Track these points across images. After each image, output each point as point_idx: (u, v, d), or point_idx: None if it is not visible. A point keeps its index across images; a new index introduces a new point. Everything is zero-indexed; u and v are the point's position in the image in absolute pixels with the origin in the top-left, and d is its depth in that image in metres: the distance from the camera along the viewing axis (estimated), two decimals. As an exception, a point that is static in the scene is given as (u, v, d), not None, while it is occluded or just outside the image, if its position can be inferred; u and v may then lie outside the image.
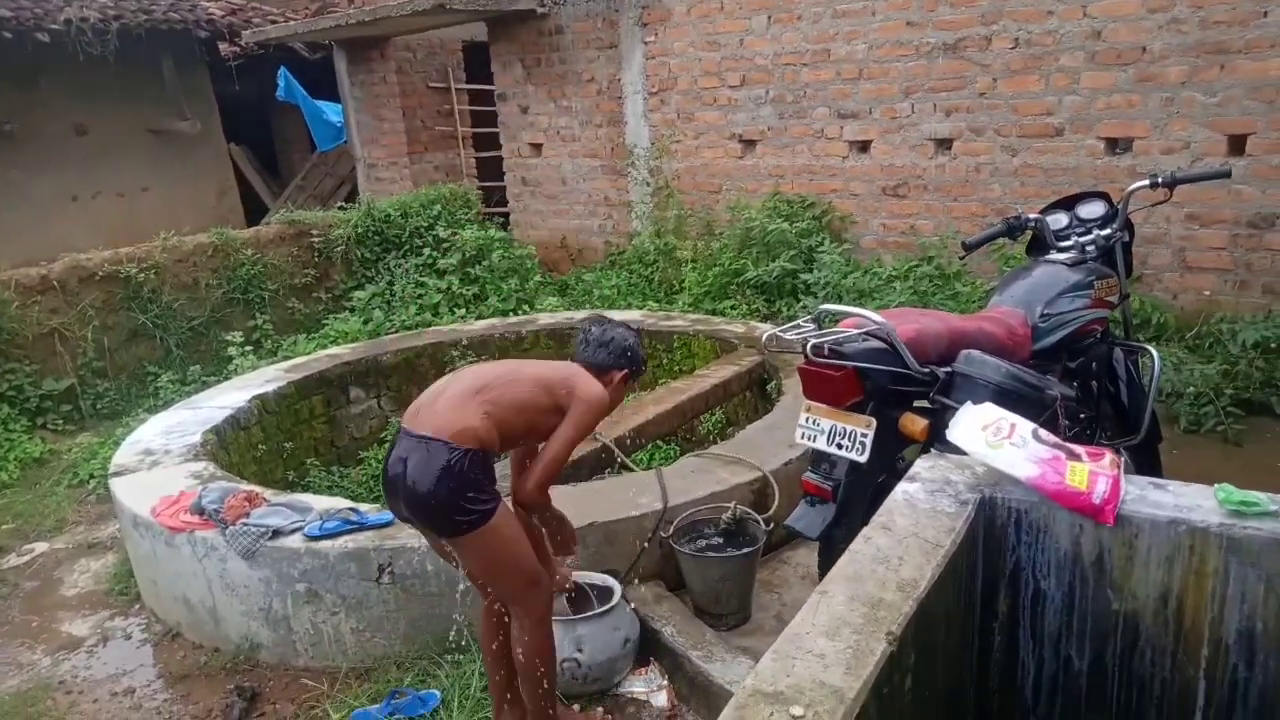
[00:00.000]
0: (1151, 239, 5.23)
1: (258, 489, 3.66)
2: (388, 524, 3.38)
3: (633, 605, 3.20)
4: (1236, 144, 4.96)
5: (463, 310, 6.91)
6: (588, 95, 7.92)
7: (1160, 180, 3.25)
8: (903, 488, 2.04)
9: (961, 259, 3.90)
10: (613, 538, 3.34)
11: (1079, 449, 1.98)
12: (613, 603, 3.02)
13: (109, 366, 6.46)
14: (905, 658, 1.58)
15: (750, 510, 3.40)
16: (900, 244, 6.33)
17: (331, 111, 10.72)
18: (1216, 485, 1.85)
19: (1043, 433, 2.03)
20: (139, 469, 4.21)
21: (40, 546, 4.85)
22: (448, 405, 2.39)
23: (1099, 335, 3.33)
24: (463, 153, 10.82)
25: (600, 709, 2.95)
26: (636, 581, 3.37)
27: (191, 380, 6.41)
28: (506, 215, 9.09)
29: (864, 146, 6.41)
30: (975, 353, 2.62)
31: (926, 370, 2.62)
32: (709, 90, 7.09)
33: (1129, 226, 3.46)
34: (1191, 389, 4.69)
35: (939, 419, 2.62)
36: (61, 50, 8.45)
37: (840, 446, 2.62)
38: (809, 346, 2.51)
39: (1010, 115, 5.69)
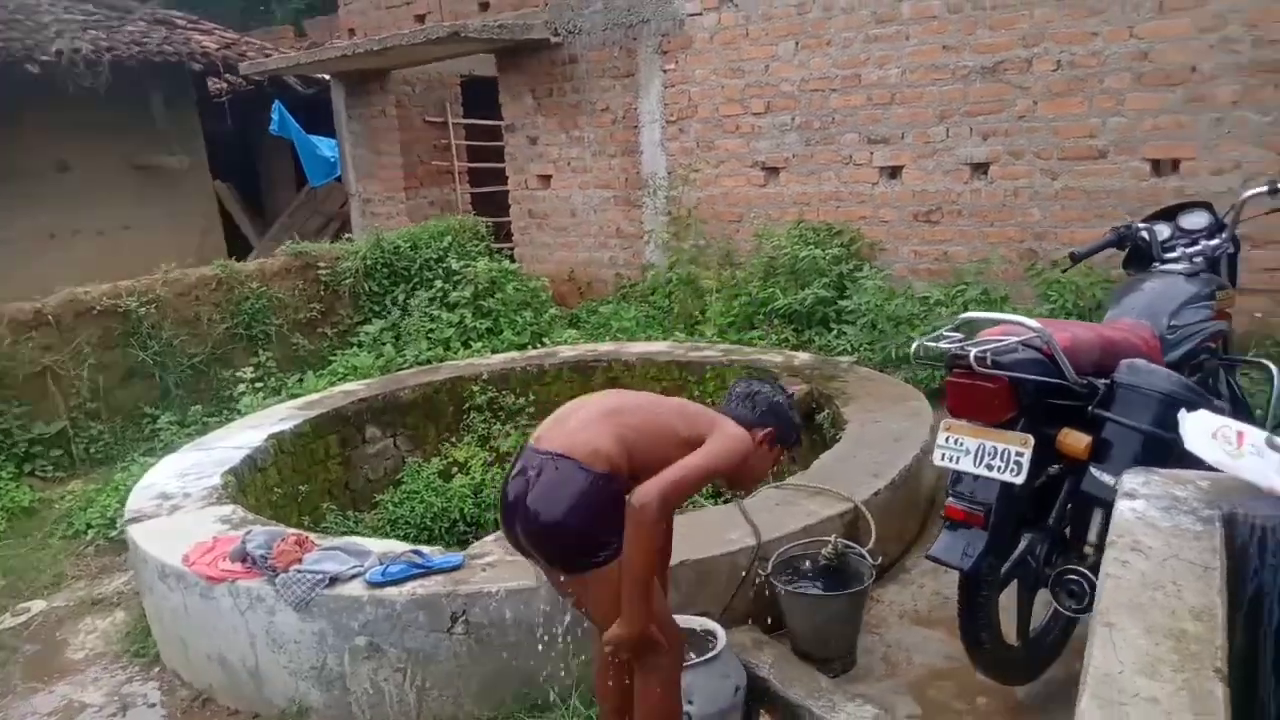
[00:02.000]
0: (1205, 260, 5.10)
1: (306, 533, 3.33)
2: (457, 566, 3.07)
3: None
4: (1291, 163, 4.87)
5: (479, 344, 6.61)
6: (602, 125, 7.74)
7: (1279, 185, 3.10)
8: (1129, 505, 1.79)
9: (1064, 271, 3.72)
10: (705, 577, 3.06)
11: (1328, 457, 1.75)
12: (720, 647, 2.72)
13: (103, 408, 6.05)
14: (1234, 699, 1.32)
15: (852, 543, 3.13)
16: (933, 271, 6.16)
17: (325, 146, 10.47)
18: None
19: (1279, 440, 1.80)
20: (158, 514, 3.86)
21: (37, 605, 4.43)
22: (579, 424, 2.15)
23: (1214, 350, 3.14)
24: (459, 188, 10.58)
25: (715, 769, 2.63)
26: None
27: (192, 421, 6.03)
28: (503, 250, 8.82)
29: (895, 172, 6.27)
30: (1140, 361, 2.40)
31: (1085, 381, 2.39)
32: (731, 118, 6.94)
33: (1234, 237, 3.30)
34: (1259, 412, 4.52)
35: (1097, 435, 2.39)
36: (48, 84, 8.12)
37: (991, 468, 2.37)
38: (972, 355, 2.26)
39: (1051, 138, 5.58)
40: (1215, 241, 3.20)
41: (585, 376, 5.98)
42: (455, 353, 6.54)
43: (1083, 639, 2.84)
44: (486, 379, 5.88)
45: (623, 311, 7.00)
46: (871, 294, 5.68)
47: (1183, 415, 1.87)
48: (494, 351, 6.55)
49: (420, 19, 9.21)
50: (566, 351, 6.21)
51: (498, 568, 3.07)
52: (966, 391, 2.38)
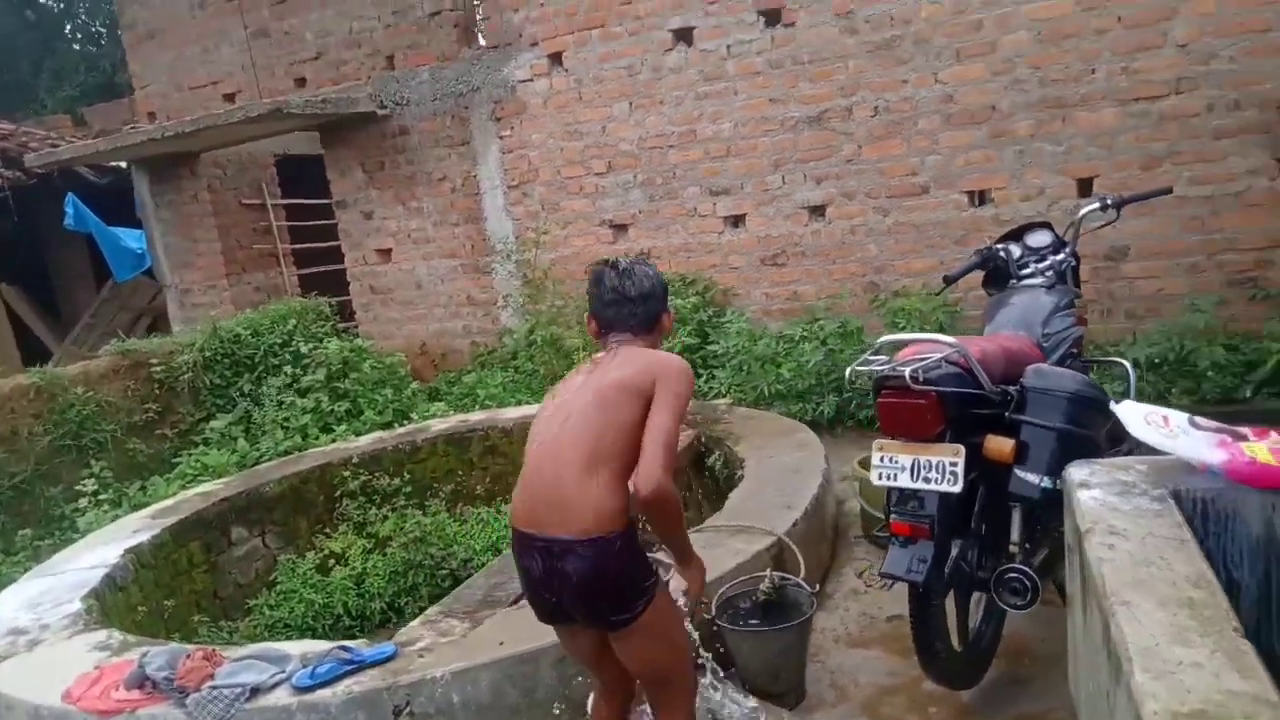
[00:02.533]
0: (1026, 278, 5.64)
1: (213, 647, 3.03)
2: (391, 657, 2.89)
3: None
4: (1085, 186, 5.49)
5: (342, 427, 6.29)
6: (441, 194, 7.66)
7: (1109, 201, 3.49)
8: (1088, 495, 1.94)
9: (938, 293, 4.02)
10: (651, 630, 3.02)
11: (1241, 429, 1.97)
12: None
13: (-93, 547, 5.29)
14: (1251, 654, 1.45)
15: (787, 575, 3.20)
16: (785, 310, 6.46)
17: (130, 238, 9.73)
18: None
19: (1199, 419, 2.01)
20: (14, 653, 3.41)
21: None
22: (576, 492, 2.06)
23: (1077, 353, 3.46)
24: (285, 270, 10.11)
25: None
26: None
27: (20, 547, 5.35)
28: (348, 329, 8.49)
29: (738, 220, 6.56)
30: (1046, 366, 2.62)
31: (999, 390, 2.58)
32: (574, 179, 7.05)
33: (1074, 251, 3.67)
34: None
35: (1016, 438, 2.58)
36: None
37: (928, 480, 2.50)
38: (907, 373, 2.39)
39: (878, 178, 6.03)
40: (1060, 256, 3.54)
41: (462, 448, 5.83)
42: (316, 439, 6.20)
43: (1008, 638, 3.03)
44: (357, 462, 5.61)
45: (488, 379, 6.88)
46: (736, 337, 5.88)
47: (1116, 407, 2.06)
48: (358, 434, 6.25)
49: (230, 98, 8.81)
50: (438, 425, 6.02)
51: (435, 651, 2.92)
52: (899, 410, 2.51)
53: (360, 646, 2.94)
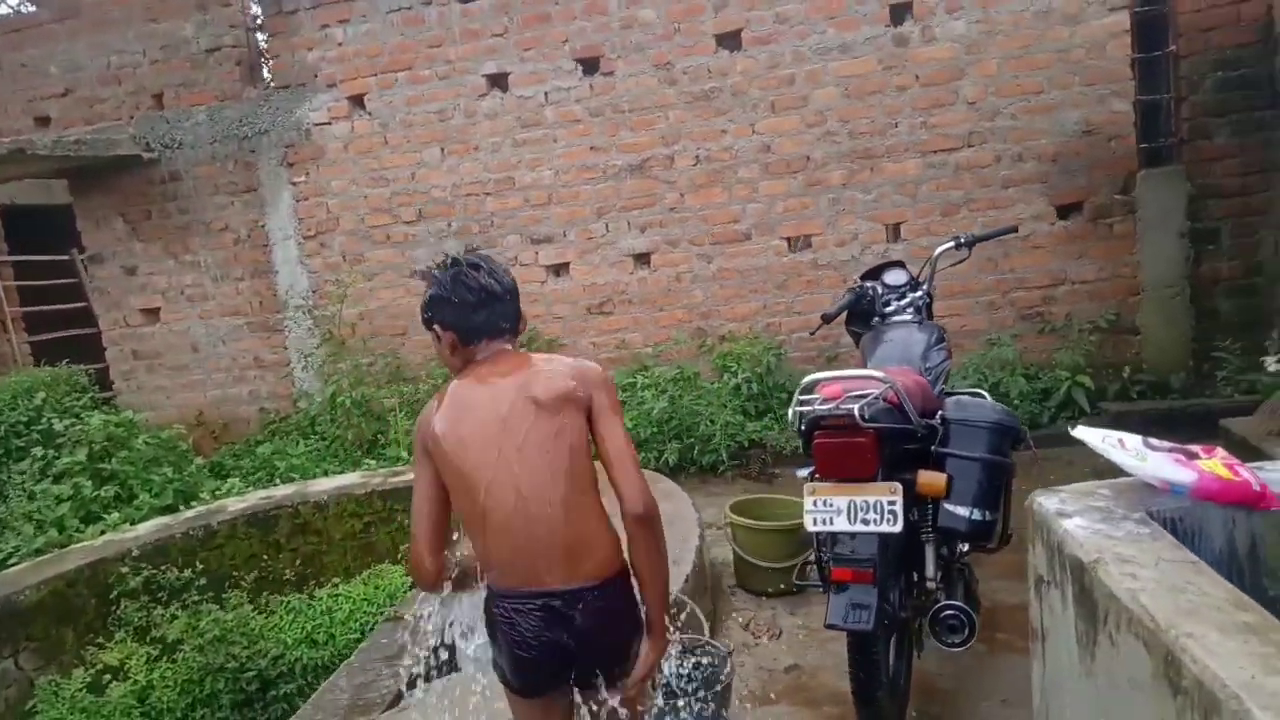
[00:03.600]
0: (846, 320, 5.85)
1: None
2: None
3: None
4: (894, 231, 5.82)
5: (114, 516, 5.36)
6: (222, 246, 6.88)
7: (963, 240, 3.63)
8: (1074, 523, 1.88)
9: (812, 334, 4.00)
10: None
11: (1192, 448, 2.00)
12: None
13: None
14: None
15: (697, 637, 2.97)
16: (614, 359, 6.32)
17: None
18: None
19: (1152, 440, 2.03)
20: None
21: None
22: (570, 533, 1.79)
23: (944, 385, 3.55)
24: (14, 337, 8.68)
25: None
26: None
27: None
28: (109, 401, 7.40)
29: (562, 269, 6.37)
30: (965, 398, 2.60)
31: (925, 424, 2.53)
32: (380, 228, 6.57)
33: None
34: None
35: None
36: None
37: (866, 522, 2.39)
38: (855, 410, 2.26)
39: (701, 225, 6.08)
40: (919, 293, 3.64)
41: (266, 529, 5.14)
42: (80, 532, 5.24)
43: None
44: (137, 555, 4.79)
45: (288, 449, 6.17)
46: (571, 388, 5.64)
47: (1074, 431, 2.04)
48: (134, 522, 5.35)
49: (-53, 138, 7.52)
50: (236, 504, 5.27)
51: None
52: (838, 450, 2.39)
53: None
